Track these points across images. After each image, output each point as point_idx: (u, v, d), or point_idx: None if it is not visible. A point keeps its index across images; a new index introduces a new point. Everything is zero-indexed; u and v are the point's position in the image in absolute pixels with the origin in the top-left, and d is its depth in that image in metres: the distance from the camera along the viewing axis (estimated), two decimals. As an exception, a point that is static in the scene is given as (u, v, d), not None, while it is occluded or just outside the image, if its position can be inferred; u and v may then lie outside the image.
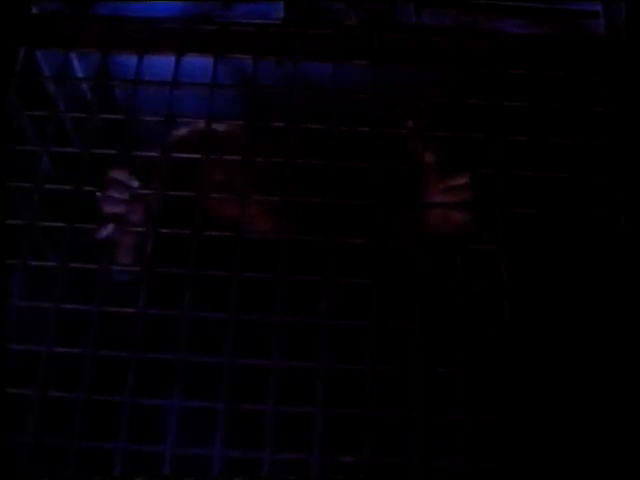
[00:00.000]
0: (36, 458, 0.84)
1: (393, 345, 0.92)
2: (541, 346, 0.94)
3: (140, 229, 1.11)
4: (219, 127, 1.14)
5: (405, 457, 0.84)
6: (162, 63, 1.08)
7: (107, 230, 1.08)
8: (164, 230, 0.97)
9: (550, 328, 0.93)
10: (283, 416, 0.86)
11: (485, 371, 0.89)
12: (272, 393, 0.87)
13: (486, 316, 0.92)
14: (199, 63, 1.08)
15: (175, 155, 1.03)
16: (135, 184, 1.12)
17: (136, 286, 0.94)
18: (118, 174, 1.12)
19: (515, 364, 0.89)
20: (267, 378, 0.87)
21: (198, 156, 1.03)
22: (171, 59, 1.08)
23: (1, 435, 0.87)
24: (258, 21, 1.17)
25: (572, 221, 1.00)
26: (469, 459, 0.84)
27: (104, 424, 0.85)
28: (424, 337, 0.91)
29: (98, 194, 1.10)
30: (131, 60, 1.08)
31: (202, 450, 0.84)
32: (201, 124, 1.07)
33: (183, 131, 1.24)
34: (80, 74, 1.27)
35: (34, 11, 1.19)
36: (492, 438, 0.87)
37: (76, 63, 1.26)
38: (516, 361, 0.90)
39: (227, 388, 0.87)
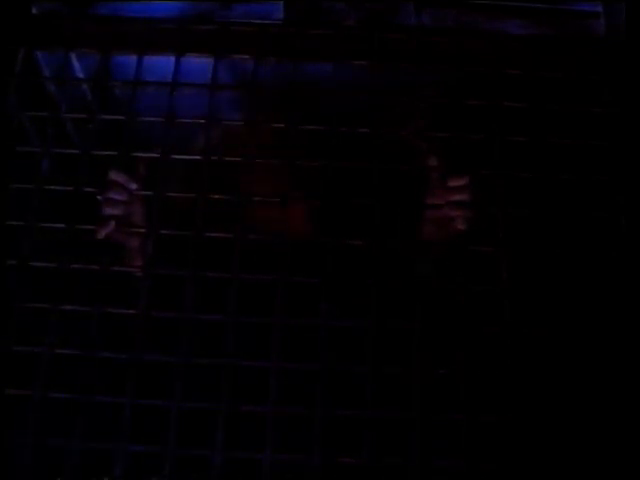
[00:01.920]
0: (36, 459, 0.84)
1: (393, 345, 0.92)
2: (541, 346, 0.94)
3: (140, 230, 1.11)
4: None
5: (405, 457, 0.84)
6: (162, 63, 1.08)
7: (106, 230, 1.08)
8: (164, 232, 0.97)
9: (550, 328, 0.94)
10: (283, 417, 0.86)
11: (485, 371, 0.89)
12: (272, 394, 0.87)
13: (486, 316, 0.92)
14: (199, 63, 1.09)
15: (175, 157, 1.02)
16: (134, 186, 1.11)
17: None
18: (117, 176, 1.11)
19: (515, 364, 0.90)
20: (267, 379, 0.87)
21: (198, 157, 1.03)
22: (171, 59, 1.08)
23: (1, 435, 0.87)
24: (258, 21, 1.17)
25: (572, 221, 1.00)
26: (469, 459, 0.84)
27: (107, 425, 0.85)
28: (424, 337, 0.91)
29: (99, 197, 1.10)
30: (131, 60, 1.08)
31: (202, 451, 0.84)
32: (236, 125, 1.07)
33: (219, 132, 1.23)
34: (80, 74, 1.27)
35: (34, 11, 1.19)
36: (492, 438, 0.87)
37: (76, 63, 1.26)
38: (516, 361, 0.90)
39: (227, 389, 0.87)
